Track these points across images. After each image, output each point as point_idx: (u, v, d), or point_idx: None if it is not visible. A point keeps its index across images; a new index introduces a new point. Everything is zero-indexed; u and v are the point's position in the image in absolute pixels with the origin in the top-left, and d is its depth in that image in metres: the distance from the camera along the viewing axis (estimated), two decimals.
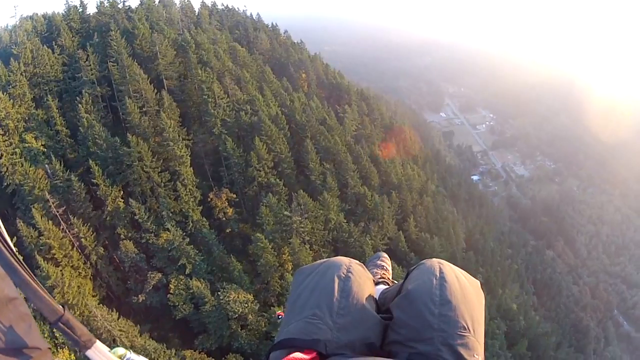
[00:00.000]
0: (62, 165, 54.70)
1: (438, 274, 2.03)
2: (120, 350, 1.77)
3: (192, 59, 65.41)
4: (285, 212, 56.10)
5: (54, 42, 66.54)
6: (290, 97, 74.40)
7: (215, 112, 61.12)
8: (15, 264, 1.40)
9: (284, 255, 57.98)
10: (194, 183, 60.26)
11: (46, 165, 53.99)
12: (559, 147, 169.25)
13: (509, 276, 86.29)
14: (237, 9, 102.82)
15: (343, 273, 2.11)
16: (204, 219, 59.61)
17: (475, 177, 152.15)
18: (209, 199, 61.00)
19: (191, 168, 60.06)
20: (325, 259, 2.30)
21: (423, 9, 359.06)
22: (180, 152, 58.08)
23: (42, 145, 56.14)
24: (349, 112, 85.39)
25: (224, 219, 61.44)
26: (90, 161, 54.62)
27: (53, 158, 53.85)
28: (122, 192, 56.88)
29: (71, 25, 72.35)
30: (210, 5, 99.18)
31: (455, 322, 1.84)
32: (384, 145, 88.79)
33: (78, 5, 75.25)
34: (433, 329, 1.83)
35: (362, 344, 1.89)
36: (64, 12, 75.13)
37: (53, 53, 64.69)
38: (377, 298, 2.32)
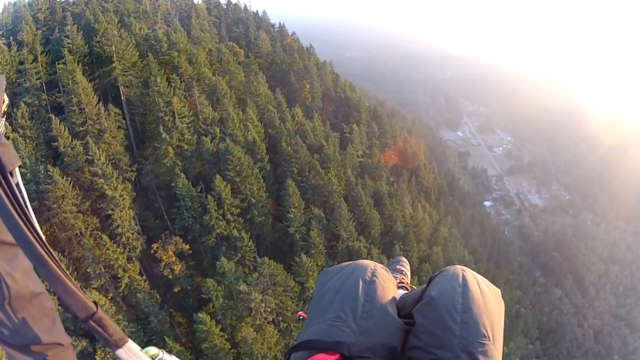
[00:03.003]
0: None
1: (461, 281, 1.83)
2: (153, 350, 1.52)
3: (152, 62, 45.63)
4: (242, 287, 36.46)
5: (11, 37, 47.42)
6: (281, 115, 54.46)
7: (167, 137, 41.46)
8: (46, 257, 1.21)
9: (240, 334, 38.98)
10: (134, 230, 41.29)
11: None
12: (576, 176, 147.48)
13: (517, 328, 71.09)
14: (241, 6, 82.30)
15: (368, 276, 1.89)
16: (142, 277, 41.12)
17: (487, 203, 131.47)
18: (152, 250, 42.17)
19: (130, 210, 40.96)
20: (350, 262, 2.04)
21: (447, 21, 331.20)
22: (113, 191, 38.89)
23: None
24: (356, 134, 65.17)
25: (170, 276, 42.47)
26: None
27: None
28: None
29: (37, 16, 53.23)
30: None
31: (477, 330, 1.67)
32: (392, 166, 69.34)
33: None
34: (454, 336, 1.66)
35: (384, 348, 1.69)
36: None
37: (9, 50, 45.78)
38: (396, 303, 2.04)
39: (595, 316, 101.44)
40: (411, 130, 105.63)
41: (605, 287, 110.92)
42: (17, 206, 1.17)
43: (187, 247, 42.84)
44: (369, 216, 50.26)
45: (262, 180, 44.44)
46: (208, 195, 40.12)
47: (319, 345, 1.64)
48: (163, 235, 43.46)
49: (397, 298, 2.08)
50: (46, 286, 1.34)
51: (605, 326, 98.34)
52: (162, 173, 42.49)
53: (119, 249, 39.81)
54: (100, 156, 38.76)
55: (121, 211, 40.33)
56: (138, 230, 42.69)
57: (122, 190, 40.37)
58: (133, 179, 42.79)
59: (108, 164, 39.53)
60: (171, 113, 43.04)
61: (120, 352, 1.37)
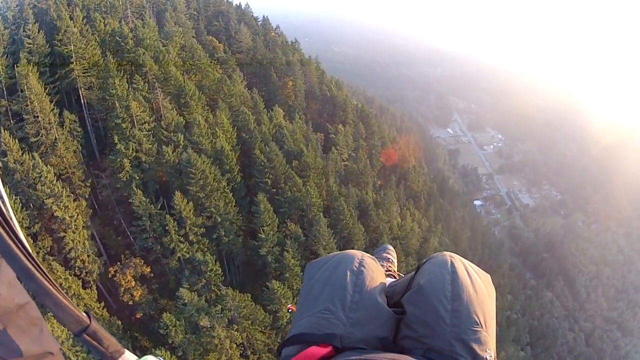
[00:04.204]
0: None
1: (450, 268, 1.76)
2: (151, 359, 1.45)
3: (110, 62, 39.72)
4: (204, 321, 31.33)
5: None
6: (257, 117, 48.77)
7: (122, 148, 35.76)
8: (33, 269, 1.14)
9: None
10: (89, 252, 35.78)
11: None
12: (567, 176, 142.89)
13: (508, 337, 67.36)
14: None
15: (356, 266, 1.82)
16: (100, 304, 35.86)
17: (478, 203, 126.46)
18: (110, 275, 36.81)
19: (85, 231, 35.41)
20: (337, 252, 1.96)
21: (438, 18, 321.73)
22: (64, 212, 33.35)
23: None
24: (341, 135, 59.87)
25: (130, 302, 37.11)
26: None
27: None
28: None
29: (6, 15, 47.12)
30: None
31: (468, 317, 1.62)
32: (380, 169, 64.39)
33: None
34: (446, 324, 1.60)
35: (375, 338, 1.64)
36: None
37: None
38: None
39: (586, 319, 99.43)
40: (400, 128, 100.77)
41: (597, 289, 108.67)
42: None
43: (149, 269, 37.58)
44: (352, 230, 45.09)
45: (231, 194, 38.93)
46: (167, 215, 34.52)
47: (310, 339, 1.57)
48: (122, 256, 38.12)
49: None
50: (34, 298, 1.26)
51: (596, 329, 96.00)
52: (118, 188, 36.84)
53: (71, 277, 34.46)
54: (47, 173, 33.21)
55: (74, 232, 34.93)
56: (96, 251, 37.28)
57: (74, 210, 34.97)
58: (87, 195, 37.17)
59: (57, 181, 33.98)
60: (130, 119, 37.22)
61: None
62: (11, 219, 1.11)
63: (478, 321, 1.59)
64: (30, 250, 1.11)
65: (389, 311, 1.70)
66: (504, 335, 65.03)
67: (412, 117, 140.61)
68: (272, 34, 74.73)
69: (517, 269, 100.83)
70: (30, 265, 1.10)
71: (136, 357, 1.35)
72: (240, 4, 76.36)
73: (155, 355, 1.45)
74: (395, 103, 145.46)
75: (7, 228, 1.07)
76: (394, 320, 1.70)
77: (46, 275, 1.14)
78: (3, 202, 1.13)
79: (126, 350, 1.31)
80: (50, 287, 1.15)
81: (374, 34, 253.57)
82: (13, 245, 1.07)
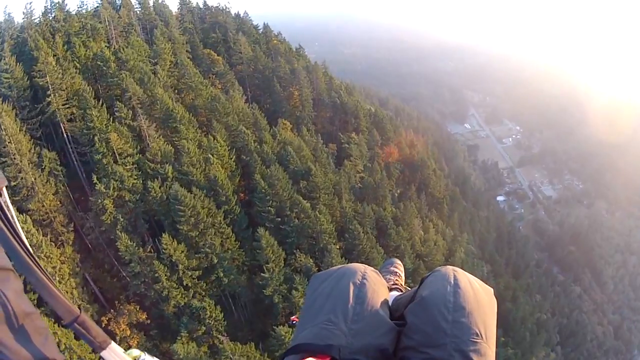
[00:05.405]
0: None
1: (452, 281, 1.76)
2: (135, 352, 1.52)
3: (87, 92, 35.09)
4: None
5: None
6: (259, 135, 43.72)
7: (102, 188, 31.11)
8: (32, 264, 1.26)
9: None
10: (78, 301, 31.34)
11: None
12: (587, 164, 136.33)
13: (539, 342, 61.92)
14: (222, 8, 70.87)
15: (358, 279, 1.81)
16: (95, 354, 31.32)
17: (500, 198, 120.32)
18: (104, 324, 32.44)
19: (73, 279, 31.01)
20: (341, 265, 1.94)
21: (446, 11, 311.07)
22: (45, 264, 29.11)
23: None
24: (354, 145, 54.69)
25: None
26: None
27: None
28: None
29: None
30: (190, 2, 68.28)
31: (468, 329, 1.61)
32: (398, 177, 58.92)
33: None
34: (446, 335, 1.60)
35: (375, 350, 1.63)
36: None
37: None
38: (390, 304, 1.98)
39: (614, 311, 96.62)
40: (417, 128, 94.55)
41: (624, 279, 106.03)
42: (5, 221, 1.23)
43: (144, 316, 32.96)
44: (370, 254, 39.57)
45: (230, 228, 33.90)
46: (155, 261, 29.73)
47: (311, 349, 1.55)
48: (117, 302, 33.63)
49: (390, 300, 1.99)
50: (32, 292, 1.35)
51: (625, 321, 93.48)
52: (103, 231, 32.29)
53: (60, 330, 30.21)
54: (23, 223, 28.89)
55: (60, 283, 30.58)
56: (88, 298, 32.91)
57: (58, 259, 30.58)
58: (72, 241, 32.77)
59: (38, 228, 29.79)
60: (111, 153, 32.62)
61: (104, 353, 1.37)
62: (15, 224, 1.23)
63: (479, 333, 1.55)
64: (30, 249, 1.22)
65: (389, 323, 1.67)
66: (535, 341, 60.71)
67: (428, 115, 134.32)
68: (274, 41, 69.59)
69: (544, 264, 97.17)
70: (30, 262, 1.21)
71: (122, 349, 1.37)
72: (238, 12, 71.50)
73: (141, 350, 1.44)
74: (410, 102, 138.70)
75: (12, 231, 1.20)
76: (395, 332, 1.65)
77: (43, 270, 1.23)
78: (9, 210, 1.23)
79: (112, 341, 1.35)
80: (46, 280, 1.23)
81: (382, 32, 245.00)
82: (17, 245, 1.19)
